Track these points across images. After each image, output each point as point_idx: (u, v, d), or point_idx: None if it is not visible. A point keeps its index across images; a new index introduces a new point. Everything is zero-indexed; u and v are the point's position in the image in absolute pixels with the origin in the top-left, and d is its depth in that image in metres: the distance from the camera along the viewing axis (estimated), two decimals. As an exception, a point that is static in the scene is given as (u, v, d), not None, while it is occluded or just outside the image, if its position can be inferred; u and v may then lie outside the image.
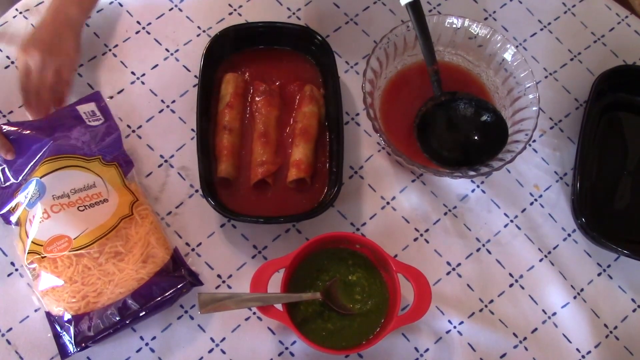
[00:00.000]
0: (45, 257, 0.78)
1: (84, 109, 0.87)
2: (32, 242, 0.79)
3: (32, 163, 0.82)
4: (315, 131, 0.92)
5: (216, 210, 0.85)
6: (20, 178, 0.82)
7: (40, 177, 0.80)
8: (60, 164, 0.81)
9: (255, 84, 0.94)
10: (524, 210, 0.95)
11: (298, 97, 0.94)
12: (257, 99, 0.93)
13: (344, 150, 0.89)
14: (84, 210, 0.81)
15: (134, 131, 0.94)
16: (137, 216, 0.83)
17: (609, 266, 0.93)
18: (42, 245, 0.78)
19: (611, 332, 0.90)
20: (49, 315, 0.80)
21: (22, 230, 0.80)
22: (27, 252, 0.79)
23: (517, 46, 1.03)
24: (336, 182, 0.87)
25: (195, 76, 0.96)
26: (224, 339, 0.85)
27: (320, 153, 0.92)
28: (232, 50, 0.96)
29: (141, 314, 0.79)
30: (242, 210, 0.88)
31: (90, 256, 0.79)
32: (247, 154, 0.92)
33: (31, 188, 0.80)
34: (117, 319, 0.78)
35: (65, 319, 0.78)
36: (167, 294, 0.80)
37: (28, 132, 0.83)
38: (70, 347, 0.78)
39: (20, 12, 0.98)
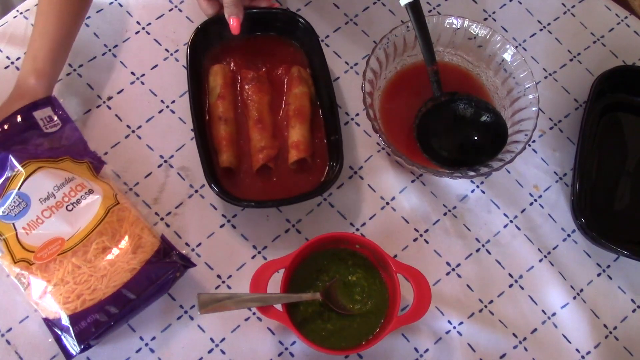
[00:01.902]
0: (33, 264, 0.78)
1: (40, 115, 0.84)
2: (23, 250, 0.78)
3: None
4: (308, 110, 0.92)
5: (224, 199, 0.85)
6: None
7: (18, 189, 0.79)
8: (31, 168, 0.79)
9: (242, 73, 0.95)
10: (523, 210, 0.95)
11: (286, 80, 0.95)
12: (246, 87, 0.93)
13: (344, 149, 0.89)
14: (72, 209, 0.80)
15: (133, 131, 0.94)
16: (119, 210, 0.83)
17: (608, 266, 0.93)
18: (33, 252, 0.78)
19: (611, 332, 0.90)
20: (46, 320, 0.79)
21: (11, 242, 0.79)
22: (16, 262, 0.78)
23: (516, 47, 1.03)
24: (338, 155, 0.88)
25: (195, 76, 0.97)
26: (223, 339, 0.85)
27: (316, 130, 0.93)
28: (216, 40, 0.96)
29: (139, 303, 0.79)
30: (250, 197, 0.89)
31: (78, 255, 0.79)
32: (246, 142, 0.92)
33: (12, 202, 0.79)
34: (116, 311, 0.78)
35: (64, 320, 0.77)
36: (161, 279, 0.80)
37: None
38: (74, 348, 0.77)
39: (21, 13, 0.98)
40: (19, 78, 0.86)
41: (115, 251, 0.80)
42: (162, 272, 0.80)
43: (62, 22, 0.87)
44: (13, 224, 0.79)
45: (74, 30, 0.90)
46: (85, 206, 0.81)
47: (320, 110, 0.94)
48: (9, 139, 0.81)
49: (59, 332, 0.78)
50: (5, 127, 0.82)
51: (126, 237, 0.81)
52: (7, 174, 0.79)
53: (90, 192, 0.81)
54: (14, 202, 0.79)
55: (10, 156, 0.79)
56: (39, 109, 0.84)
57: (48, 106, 0.85)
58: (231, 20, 0.90)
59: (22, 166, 0.79)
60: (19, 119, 0.82)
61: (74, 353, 0.78)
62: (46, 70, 0.86)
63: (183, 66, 0.98)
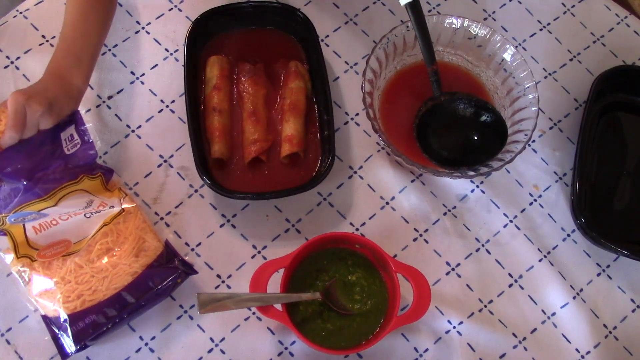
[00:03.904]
0: (36, 260, 0.78)
1: (65, 134, 0.82)
2: (27, 247, 0.78)
3: (11, 205, 0.79)
4: (303, 105, 0.93)
5: (214, 190, 0.85)
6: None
7: (39, 210, 0.79)
8: (54, 199, 0.79)
9: (240, 65, 0.95)
10: (523, 210, 0.95)
11: (283, 74, 0.95)
12: (243, 79, 0.94)
13: (344, 148, 0.89)
14: (90, 217, 0.81)
15: (133, 131, 0.94)
16: (126, 212, 0.83)
17: (608, 266, 0.93)
18: (37, 250, 0.78)
19: (610, 332, 0.90)
20: (45, 318, 0.80)
21: (17, 237, 0.79)
22: (18, 257, 0.78)
23: (516, 46, 1.03)
24: (329, 151, 0.88)
25: (195, 76, 0.97)
26: (223, 339, 0.85)
27: (310, 125, 0.94)
28: (214, 33, 0.96)
29: (138, 307, 0.79)
30: (240, 189, 0.89)
31: (81, 255, 0.79)
32: (239, 134, 0.92)
33: (29, 215, 0.79)
34: (114, 313, 0.78)
35: (62, 319, 0.78)
36: (162, 285, 0.80)
37: (9, 173, 0.78)
38: (70, 348, 0.78)
39: (20, 12, 0.98)
40: (59, 70, 0.82)
41: (118, 253, 0.80)
42: (163, 277, 0.81)
43: (99, 24, 0.87)
44: (23, 224, 0.79)
45: (105, 35, 0.90)
46: (102, 215, 0.81)
47: (315, 106, 0.95)
48: (34, 165, 0.79)
49: (57, 331, 0.79)
50: (34, 152, 0.79)
51: (130, 240, 0.81)
52: (30, 200, 0.79)
53: (111, 207, 0.82)
54: (31, 216, 0.79)
55: (36, 189, 0.79)
56: (65, 129, 0.82)
57: (72, 124, 0.83)
58: None
59: (47, 198, 0.79)
60: (47, 143, 0.80)
61: (70, 352, 0.78)
62: (88, 73, 0.86)
63: (183, 66, 0.97)
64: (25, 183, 0.77)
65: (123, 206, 0.83)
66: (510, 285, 0.91)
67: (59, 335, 0.79)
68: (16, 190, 0.78)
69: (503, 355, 0.88)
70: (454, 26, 0.93)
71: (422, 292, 0.80)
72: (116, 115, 0.94)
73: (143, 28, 1.00)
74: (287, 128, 0.91)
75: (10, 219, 0.77)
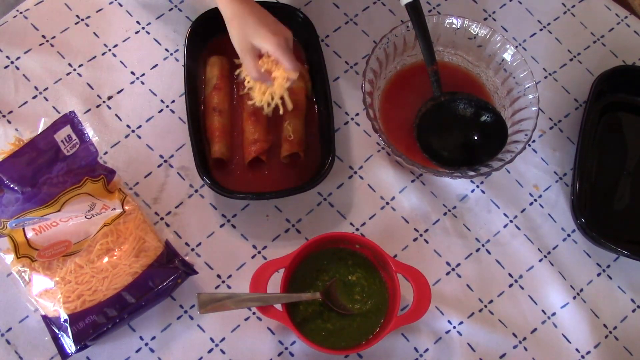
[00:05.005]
0: (36, 260, 0.78)
1: (61, 136, 0.80)
2: (28, 247, 0.78)
3: (14, 211, 0.77)
4: (303, 106, 0.93)
5: (214, 190, 0.85)
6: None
7: (42, 216, 0.78)
8: (57, 205, 0.78)
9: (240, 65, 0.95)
10: (523, 210, 0.95)
11: None
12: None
13: (344, 148, 0.89)
14: (91, 218, 0.81)
15: (133, 131, 0.94)
16: (127, 213, 0.83)
17: (608, 266, 0.93)
18: (37, 250, 0.78)
19: (610, 332, 0.90)
20: (45, 318, 0.80)
21: (17, 238, 0.79)
22: (18, 257, 0.78)
23: (516, 46, 1.03)
24: (329, 151, 0.88)
25: (195, 76, 0.96)
26: (223, 339, 0.85)
27: (311, 126, 0.94)
28: (214, 33, 0.96)
29: (138, 307, 0.79)
30: (240, 189, 0.89)
31: (82, 255, 0.79)
32: (239, 134, 0.93)
33: (30, 221, 0.78)
34: (115, 314, 0.78)
35: (62, 319, 0.78)
36: (162, 285, 0.80)
37: (10, 183, 0.76)
38: (70, 348, 0.78)
39: (20, 12, 0.98)
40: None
41: (118, 253, 0.80)
42: (164, 277, 0.81)
43: None
44: (23, 228, 0.79)
45: None
46: (103, 216, 0.81)
47: (315, 106, 0.95)
48: (36, 172, 0.78)
49: (57, 331, 0.79)
50: (33, 158, 0.77)
51: (130, 240, 0.81)
52: (34, 207, 0.78)
53: (113, 209, 0.82)
54: (33, 221, 0.78)
55: (41, 195, 0.77)
56: (59, 130, 0.80)
57: (67, 124, 0.81)
58: None
59: (50, 204, 0.78)
60: (43, 147, 0.78)
61: (70, 352, 0.78)
62: None
63: (183, 66, 0.97)
64: (29, 189, 0.77)
65: (124, 208, 0.83)
66: (511, 285, 0.91)
67: (59, 335, 0.79)
68: (19, 198, 0.78)
69: (503, 355, 0.88)
70: (454, 26, 0.93)
71: (422, 292, 0.80)
72: (116, 115, 0.94)
73: (143, 28, 1.00)
74: (287, 128, 0.91)
75: (11, 224, 0.77)
